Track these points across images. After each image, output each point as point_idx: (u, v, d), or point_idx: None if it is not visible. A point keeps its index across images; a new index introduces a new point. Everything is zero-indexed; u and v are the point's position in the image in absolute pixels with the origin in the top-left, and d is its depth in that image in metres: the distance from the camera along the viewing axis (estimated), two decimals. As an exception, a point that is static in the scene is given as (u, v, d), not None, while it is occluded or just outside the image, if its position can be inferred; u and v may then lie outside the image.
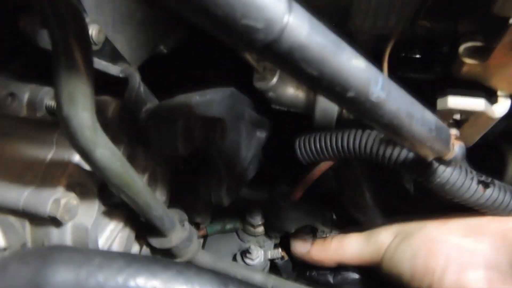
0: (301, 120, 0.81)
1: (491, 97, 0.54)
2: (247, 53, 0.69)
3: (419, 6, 0.52)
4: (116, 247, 0.59)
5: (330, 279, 0.85)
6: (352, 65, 0.37)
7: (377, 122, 0.43)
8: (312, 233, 0.86)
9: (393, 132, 0.45)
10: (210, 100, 0.58)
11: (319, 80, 0.36)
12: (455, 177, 0.56)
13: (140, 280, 0.43)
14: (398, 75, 0.66)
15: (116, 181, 0.45)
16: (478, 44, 0.48)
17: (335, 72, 0.36)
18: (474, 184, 0.57)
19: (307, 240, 0.84)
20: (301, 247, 0.83)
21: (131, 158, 0.61)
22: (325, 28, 0.35)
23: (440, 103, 0.53)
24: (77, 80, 0.37)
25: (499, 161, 0.93)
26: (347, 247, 0.78)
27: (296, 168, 0.91)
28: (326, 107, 0.72)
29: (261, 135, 0.85)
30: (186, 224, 0.68)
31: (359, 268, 0.84)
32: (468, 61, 0.48)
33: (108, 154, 0.41)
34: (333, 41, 0.35)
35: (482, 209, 0.60)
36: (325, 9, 0.49)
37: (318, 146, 0.67)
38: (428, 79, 0.87)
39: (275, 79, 0.71)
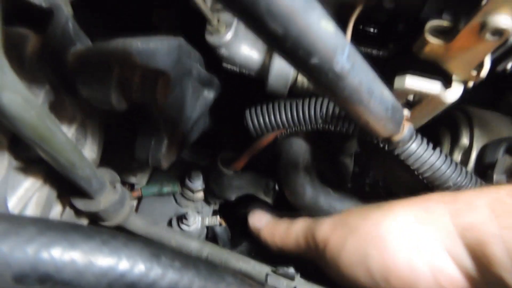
0: (253, 84, 0.76)
1: (446, 81, 0.53)
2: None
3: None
4: (32, 209, 0.52)
5: None
6: (321, 28, 0.33)
7: (335, 95, 0.40)
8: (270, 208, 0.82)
9: (350, 107, 0.43)
10: (154, 49, 0.50)
11: (283, 40, 0.32)
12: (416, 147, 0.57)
13: (56, 252, 0.37)
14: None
15: (29, 133, 0.37)
16: (444, 24, 0.47)
17: (301, 32, 0.31)
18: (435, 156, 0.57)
19: (264, 216, 0.78)
20: (256, 223, 0.76)
21: (55, 107, 0.52)
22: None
23: (397, 82, 0.52)
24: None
25: (434, 141, 0.98)
26: (290, 236, 0.69)
27: (243, 133, 0.88)
28: (281, 72, 0.67)
29: (209, 95, 0.79)
30: (118, 185, 0.62)
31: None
32: (432, 40, 0.47)
33: (19, 100, 0.33)
34: (302, -3, 0.30)
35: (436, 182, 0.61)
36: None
37: (271, 118, 0.63)
38: (381, 56, 0.86)
39: (229, 34, 0.65)
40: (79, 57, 0.45)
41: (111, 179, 0.60)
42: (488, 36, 0.41)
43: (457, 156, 0.89)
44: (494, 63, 0.50)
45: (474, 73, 0.49)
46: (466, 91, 0.55)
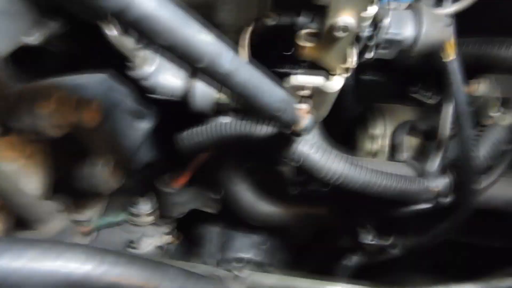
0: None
1: (328, 76, 0.65)
2: (119, 42, 0.70)
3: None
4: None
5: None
6: (200, 39, 0.42)
7: (232, 91, 0.50)
8: None
9: (248, 101, 0.52)
10: (83, 83, 0.58)
11: (172, 51, 0.41)
12: (308, 150, 0.66)
13: (3, 263, 0.41)
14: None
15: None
16: (312, 30, 0.59)
17: (184, 44, 0.41)
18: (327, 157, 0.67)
19: None
20: None
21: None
22: (172, 4, 0.39)
23: (285, 82, 0.63)
24: None
25: (352, 138, 1.12)
26: None
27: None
28: (203, 93, 0.76)
29: (143, 126, 0.86)
30: (62, 216, 0.66)
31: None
32: (304, 44, 0.59)
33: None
34: (180, 16, 0.40)
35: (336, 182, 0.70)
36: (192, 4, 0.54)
37: (197, 140, 0.70)
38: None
39: (149, 68, 0.74)
40: (13, 97, 0.52)
41: (54, 210, 0.64)
42: (339, 34, 0.54)
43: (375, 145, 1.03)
44: (360, 56, 0.63)
45: (346, 64, 0.62)
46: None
